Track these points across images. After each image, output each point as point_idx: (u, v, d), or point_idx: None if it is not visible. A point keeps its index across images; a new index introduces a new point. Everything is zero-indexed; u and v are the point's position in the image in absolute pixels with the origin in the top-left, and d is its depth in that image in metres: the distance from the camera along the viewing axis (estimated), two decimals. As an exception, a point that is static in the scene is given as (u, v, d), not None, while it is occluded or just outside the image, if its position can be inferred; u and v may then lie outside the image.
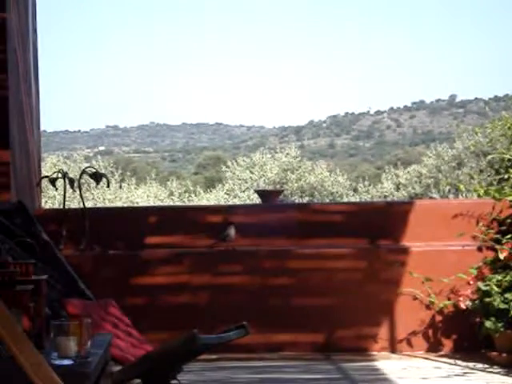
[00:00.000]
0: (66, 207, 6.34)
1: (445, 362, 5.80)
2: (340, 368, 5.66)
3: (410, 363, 5.81)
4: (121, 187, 22.92)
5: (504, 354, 5.60)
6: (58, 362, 2.78)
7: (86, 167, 6.47)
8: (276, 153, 24.64)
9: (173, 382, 4.05)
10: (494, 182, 6.61)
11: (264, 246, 6.31)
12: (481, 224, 6.26)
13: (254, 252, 6.24)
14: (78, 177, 6.30)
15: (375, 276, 6.17)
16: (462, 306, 5.92)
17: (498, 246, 5.94)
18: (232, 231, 6.19)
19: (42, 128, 7.18)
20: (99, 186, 19.06)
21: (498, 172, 6.55)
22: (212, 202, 22.34)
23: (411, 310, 6.10)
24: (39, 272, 3.60)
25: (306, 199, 22.87)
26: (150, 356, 3.97)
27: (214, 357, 5.79)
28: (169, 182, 24.42)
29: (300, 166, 23.90)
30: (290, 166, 23.68)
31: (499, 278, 5.73)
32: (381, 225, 6.47)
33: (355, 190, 24.56)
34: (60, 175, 6.19)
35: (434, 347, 6.13)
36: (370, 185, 24.84)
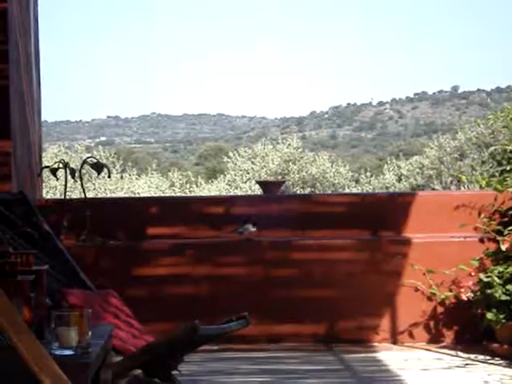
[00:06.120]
0: (67, 197, 6.34)
1: (446, 354, 5.80)
2: (341, 359, 5.66)
3: (412, 354, 5.80)
4: (122, 178, 22.96)
5: (505, 346, 5.60)
6: (58, 353, 2.78)
7: (87, 157, 6.46)
8: (278, 144, 24.66)
9: (174, 372, 4.06)
10: (496, 174, 6.55)
11: (266, 237, 6.30)
12: (483, 215, 6.25)
13: (256, 243, 6.23)
14: (79, 167, 6.29)
15: (377, 267, 6.16)
16: (464, 297, 5.92)
17: (499, 238, 5.93)
18: (250, 227, 6.17)
19: (43, 118, 7.18)
20: (100, 177, 19.08)
21: (500, 163, 6.50)
22: (213, 193, 22.34)
23: (413, 302, 6.10)
24: (40, 262, 3.60)
25: (307, 190, 22.88)
26: (151, 347, 3.97)
27: (215, 348, 5.80)
28: (170, 173, 24.45)
29: (302, 157, 23.92)
30: (291, 156, 23.69)
31: (501, 269, 5.72)
32: (383, 216, 6.46)
33: (357, 181, 24.60)
34: (61, 165, 6.18)
35: (435, 338, 6.13)
36: (371, 176, 24.88)
